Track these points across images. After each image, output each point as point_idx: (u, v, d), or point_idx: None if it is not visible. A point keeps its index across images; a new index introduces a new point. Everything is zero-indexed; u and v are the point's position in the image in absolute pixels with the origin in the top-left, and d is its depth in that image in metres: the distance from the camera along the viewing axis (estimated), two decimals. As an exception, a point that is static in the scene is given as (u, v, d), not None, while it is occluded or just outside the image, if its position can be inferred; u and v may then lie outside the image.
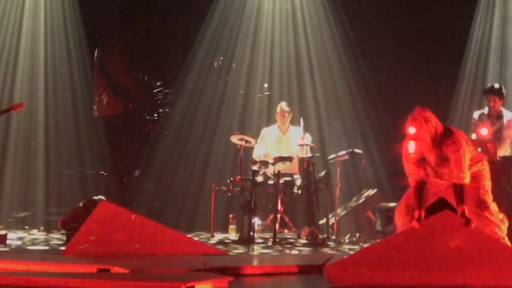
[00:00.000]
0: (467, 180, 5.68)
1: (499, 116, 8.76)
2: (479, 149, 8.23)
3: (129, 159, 11.63)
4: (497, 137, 8.62)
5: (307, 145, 9.15)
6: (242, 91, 11.42)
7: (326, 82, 11.36)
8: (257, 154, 9.32)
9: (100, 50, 11.49)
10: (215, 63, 11.50)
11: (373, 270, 5.30)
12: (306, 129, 9.27)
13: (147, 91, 11.83)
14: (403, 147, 5.84)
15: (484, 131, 8.34)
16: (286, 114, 9.72)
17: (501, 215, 5.92)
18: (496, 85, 8.96)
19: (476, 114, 8.88)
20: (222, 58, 11.52)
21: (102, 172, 11.23)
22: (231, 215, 9.46)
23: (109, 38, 11.50)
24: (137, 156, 11.65)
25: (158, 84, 11.52)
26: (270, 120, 10.42)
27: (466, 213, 5.53)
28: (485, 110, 8.84)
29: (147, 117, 11.80)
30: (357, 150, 9.33)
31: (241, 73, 11.48)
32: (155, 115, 11.82)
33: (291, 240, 8.99)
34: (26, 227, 10.38)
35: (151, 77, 11.69)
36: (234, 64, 11.52)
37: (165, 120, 11.59)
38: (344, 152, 9.35)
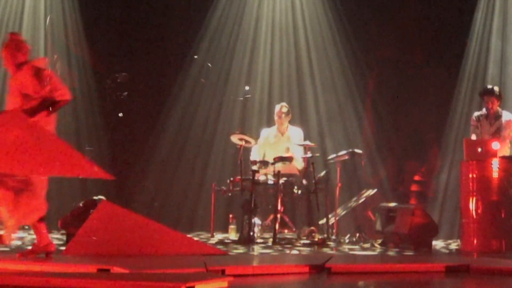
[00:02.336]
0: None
1: (497, 116, 8.83)
2: (479, 149, 8.32)
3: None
4: (497, 137, 8.64)
5: (306, 144, 9.15)
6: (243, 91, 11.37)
7: (326, 82, 11.35)
8: (253, 159, 9.29)
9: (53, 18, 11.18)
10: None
11: None
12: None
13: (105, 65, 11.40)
14: None
15: (496, 146, 8.34)
16: (285, 114, 9.71)
17: None
18: (490, 86, 9.04)
19: (474, 116, 8.96)
20: (195, 56, 11.38)
21: None
22: (231, 215, 9.45)
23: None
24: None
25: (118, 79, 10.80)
26: (270, 121, 10.41)
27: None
28: (483, 111, 8.90)
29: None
30: (357, 150, 9.33)
31: (241, 73, 11.47)
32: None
33: (291, 240, 8.99)
34: (26, 227, 10.36)
35: (150, 77, 11.56)
36: (209, 64, 11.39)
37: (164, 119, 11.48)
38: (344, 152, 9.35)
